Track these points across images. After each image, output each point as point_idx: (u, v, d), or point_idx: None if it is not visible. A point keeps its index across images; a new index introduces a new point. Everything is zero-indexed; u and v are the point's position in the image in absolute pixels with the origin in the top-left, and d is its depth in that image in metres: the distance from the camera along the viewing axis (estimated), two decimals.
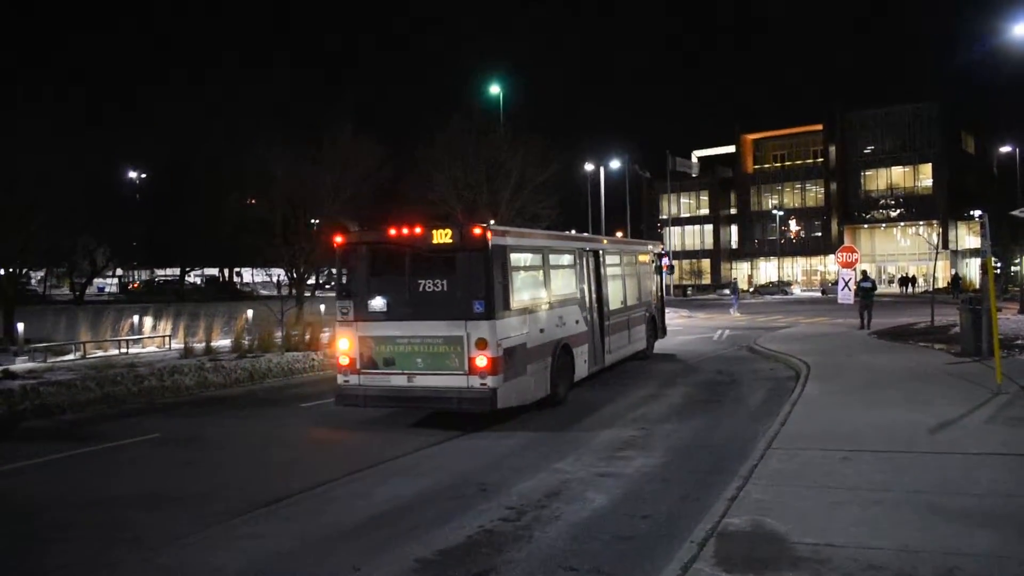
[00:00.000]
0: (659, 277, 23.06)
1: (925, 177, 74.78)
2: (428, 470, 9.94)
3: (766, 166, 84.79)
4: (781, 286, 72.70)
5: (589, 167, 61.66)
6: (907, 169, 75.96)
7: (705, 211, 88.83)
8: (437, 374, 12.35)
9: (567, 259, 15.67)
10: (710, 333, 29.27)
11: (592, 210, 61.03)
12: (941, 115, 73.01)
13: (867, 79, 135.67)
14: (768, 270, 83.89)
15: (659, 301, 22.67)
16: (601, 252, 17.68)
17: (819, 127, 79.84)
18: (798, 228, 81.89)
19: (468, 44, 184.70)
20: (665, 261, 26.55)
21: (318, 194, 32.23)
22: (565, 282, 15.28)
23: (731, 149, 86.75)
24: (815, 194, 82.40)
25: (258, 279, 79.10)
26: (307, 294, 33.54)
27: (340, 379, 12.99)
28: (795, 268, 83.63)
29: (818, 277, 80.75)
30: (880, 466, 8.58)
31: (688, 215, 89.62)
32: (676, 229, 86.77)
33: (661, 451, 10.62)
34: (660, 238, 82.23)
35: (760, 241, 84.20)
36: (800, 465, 8.73)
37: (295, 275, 33.00)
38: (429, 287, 12.52)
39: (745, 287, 78.94)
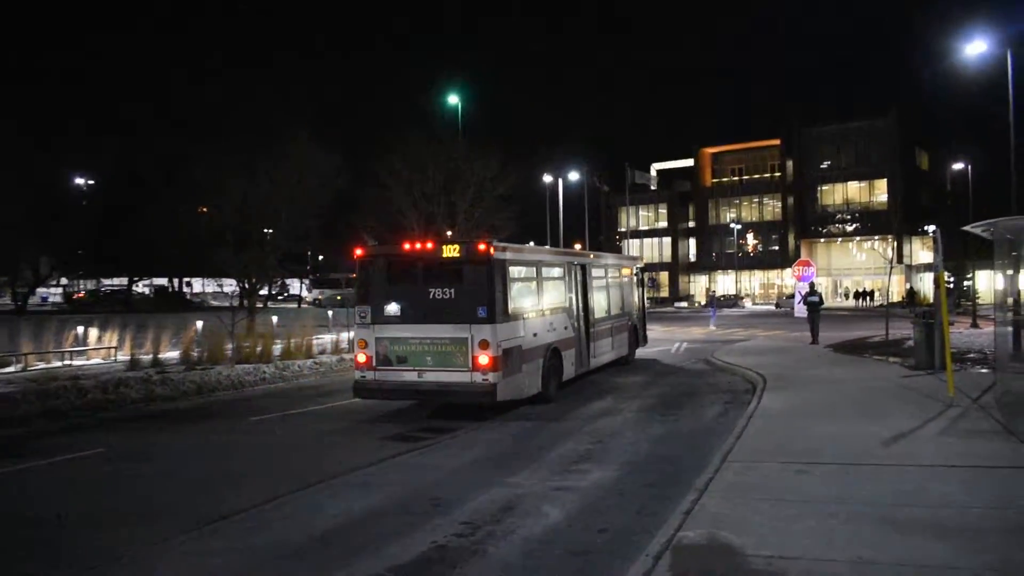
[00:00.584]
0: (641, 290, 24.93)
1: (880, 192, 76.42)
2: (382, 484, 9.85)
3: (724, 180, 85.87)
4: (734, 300, 73.77)
5: (548, 179, 61.90)
6: (863, 184, 77.54)
7: (664, 224, 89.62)
8: (444, 370, 14.18)
9: (558, 272, 17.58)
10: (668, 346, 29.50)
11: (551, 222, 61.25)
12: (896, 131, 74.65)
13: (825, 94, 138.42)
14: (726, 283, 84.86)
15: (641, 312, 24.60)
16: (588, 266, 19.66)
17: (777, 142, 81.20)
18: (756, 242, 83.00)
19: (427, 55, 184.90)
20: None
21: (272, 202, 31.89)
22: (556, 292, 17.20)
23: (690, 163, 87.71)
24: (772, 208, 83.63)
25: (209, 289, 78.09)
26: (259, 305, 33.09)
27: (357, 375, 14.85)
28: (753, 281, 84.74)
29: (776, 290, 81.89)
30: (836, 479, 8.69)
31: (647, 228, 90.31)
32: (635, 242, 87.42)
33: (617, 464, 10.66)
34: (619, 251, 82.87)
35: (718, 254, 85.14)
36: (757, 478, 8.81)
37: (247, 286, 32.62)
38: (438, 295, 14.34)
39: (700, 300, 79.89)
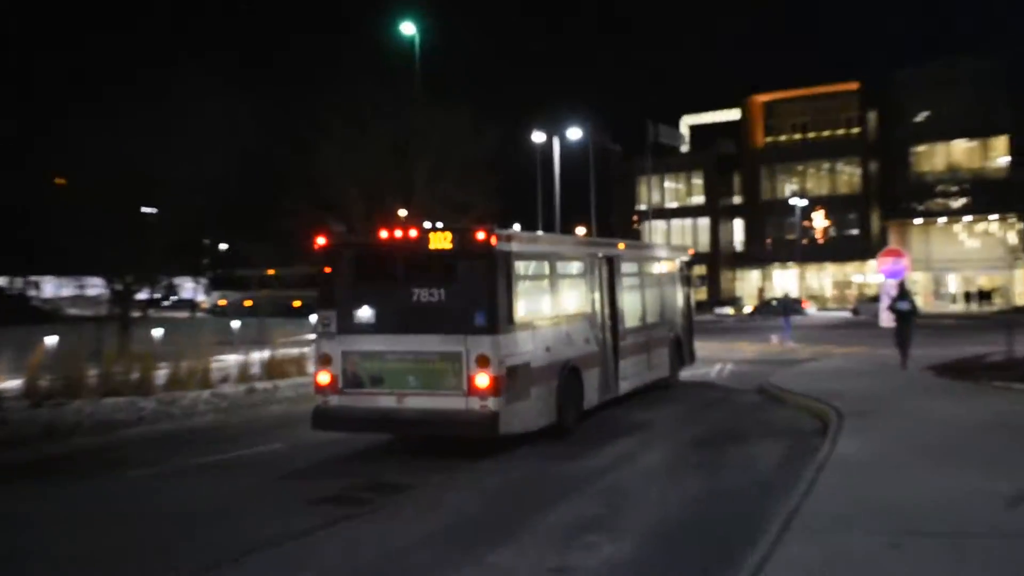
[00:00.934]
0: (687, 290, 26.37)
1: (998, 154, 76.72)
2: (306, 566, 9.76)
3: (782, 139, 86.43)
4: (793, 304, 74.53)
5: (539, 138, 61.72)
6: (973, 144, 77.99)
7: (699, 199, 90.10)
8: (431, 394, 15.08)
9: (578, 267, 18.75)
10: (707, 368, 29.59)
11: (544, 199, 61.23)
12: (1019, 74, 75.15)
13: (918, 26, 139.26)
14: (784, 281, 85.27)
15: (687, 319, 26.09)
16: (617, 259, 20.76)
17: (854, 86, 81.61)
18: (826, 224, 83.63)
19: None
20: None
21: (153, 167, 31.46)
22: (574, 294, 18.38)
23: (735, 115, 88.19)
24: (849, 177, 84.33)
25: (66, 293, 77.50)
26: (137, 315, 32.85)
27: (319, 400, 15.79)
28: (821, 278, 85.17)
29: (853, 290, 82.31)
30: (943, 557, 8.66)
31: (675, 205, 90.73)
32: (659, 224, 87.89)
33: (639, 534, 10.60)
34: (636, 236, 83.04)
35: (774, 241, 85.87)
36: (830, 555, 8.77)
37: (120, 288, 32.34)
38: (424, 297, 15.28)
39: (749, 304, 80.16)
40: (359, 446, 16.60)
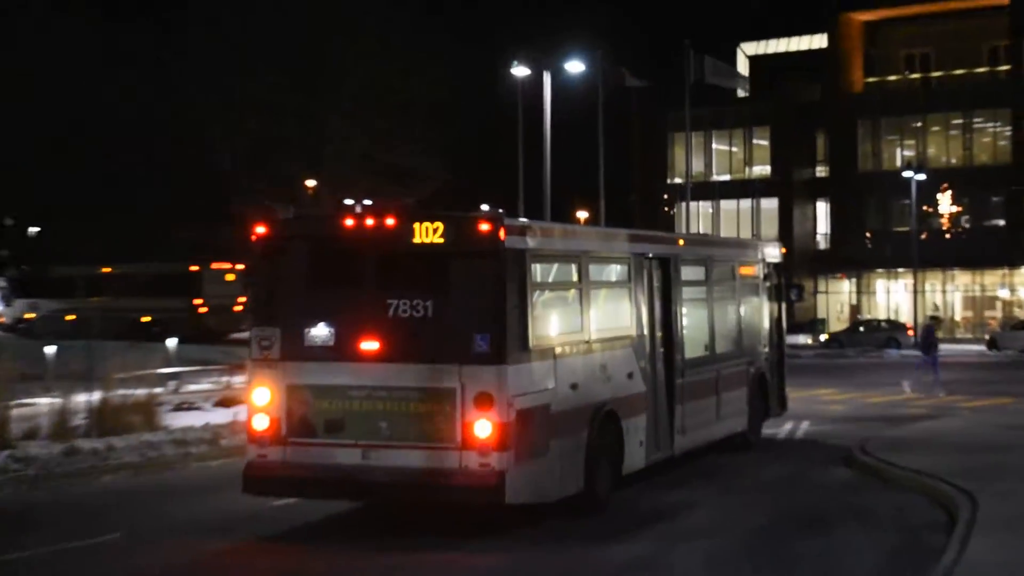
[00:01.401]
0: (777, 305, 27.48)
1: None
2: None
3: (891, 79, 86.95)
4: (885, 330, 74.72)
5: (520, 73, 61.15)
6: None
7: (763, 170, 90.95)
8: (411, 447, 15.71)
9: (618, 272, 19.80)
10: (774, 427, 29.60)
11: (525, 168, 60.99)
12: None
13: None
14: (895, 293, 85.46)
15: (775, 349, 27.31)
16: (674, 261, 21.60)
17: (1005, 0, 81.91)
18: (956, 210, 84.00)
19: None
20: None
21: None
22: (614, 310, 19.32)
23: (819, 43, 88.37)
24: (992, 140, 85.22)
25: None
26: None
27: (253, 453, 16.49)
28: (949, 293, 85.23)
29: (998, 311, 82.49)
30: None
31: (727, 178, 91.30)
32: (703, 207, 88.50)
33: None
34: (669, 223, 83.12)
35: (878, 235, 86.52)
36: None
37: None
38: (404, 310, 15.87)
39: (837, 324, 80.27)
40: (263, 527, 16.87)
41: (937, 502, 18.91)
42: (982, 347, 71.62)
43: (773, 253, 27.43)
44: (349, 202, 46.68)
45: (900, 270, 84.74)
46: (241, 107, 39.68)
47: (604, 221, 65.67)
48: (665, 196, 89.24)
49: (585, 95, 67.51)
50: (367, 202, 42.22)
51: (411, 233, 15.77)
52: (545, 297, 16.94)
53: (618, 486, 18.33)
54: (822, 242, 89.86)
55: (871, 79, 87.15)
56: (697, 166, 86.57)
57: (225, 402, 32.44)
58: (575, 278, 17.88)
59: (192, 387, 38.94)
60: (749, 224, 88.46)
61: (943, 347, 72.62)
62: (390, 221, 16.04)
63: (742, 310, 24.81)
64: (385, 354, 15.74)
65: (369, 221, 16.17)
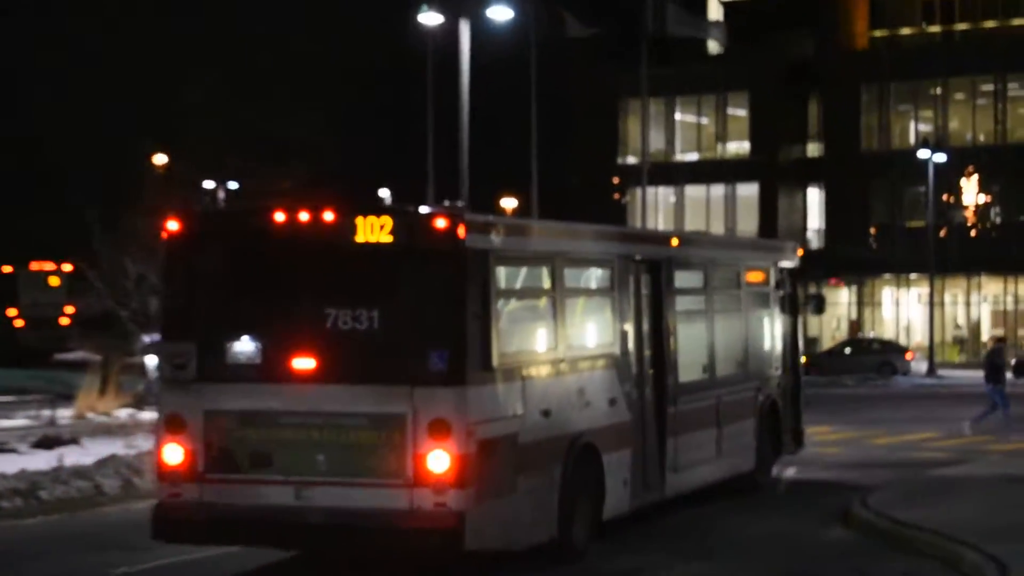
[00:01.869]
0: (791, 319, 28.48)
1: None
2: None
3: (904, 32, 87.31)
4: (877, 352, 75.55)
5: (429, 20, 61.13)
6: None
7: (740, 147, 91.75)
8: (354, 484, 16.25)
9: (598, 277, 20.74)
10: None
11: (436, 140, 61.13)
12: None
13: None
14: (906, 305, 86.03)
15: (789, 371, 28.40)
16: (667, 264, 22.48)
17: None
18: (984, 200, 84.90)
19: None
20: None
21: None
22: (594, 323, 20.25)
23: None
24: None
25: None
26: None
27: (164, 491, 17.10)
28: (974, 304, 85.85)
29: None
30: None
31: (695, 157, 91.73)
32: (663, 194, 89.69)
33: None
34: (620, 214, 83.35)
35: (885, 231, 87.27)
36: None
37: None
38: (345, 322, 16.46)
39: (831, 341, 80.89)
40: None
41: (956, 570, 18.87)
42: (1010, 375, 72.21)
43: (788, 256, 28.20)
44: (209, 185, 46.68)
45: (913, 276, 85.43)
46: (70, 60, 39.90)
47: (537, 211, 65.72)
48: (615, 180, 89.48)
49: (514, 50, 67.73)
50: (232, 185, 42.25)
51: (353, 230, 16.20)
52: (512, 307, 17.59)
53: (598, 533, 18.84)
54: (814, 239, 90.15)
55: (878, 32, 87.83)
56: (656, 142, 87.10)
57: (46, 443, 32.21)
58: (548, 284, 18.52)
59: (3, 423, 38.77)
60: (721, 215, 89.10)
61: (959, 372, 73.73)
62: (328, 216, 16.45)
63: (749, 325, 25.52)
64: (322, 374, 16.21)
65: (303, 216, 16.53)
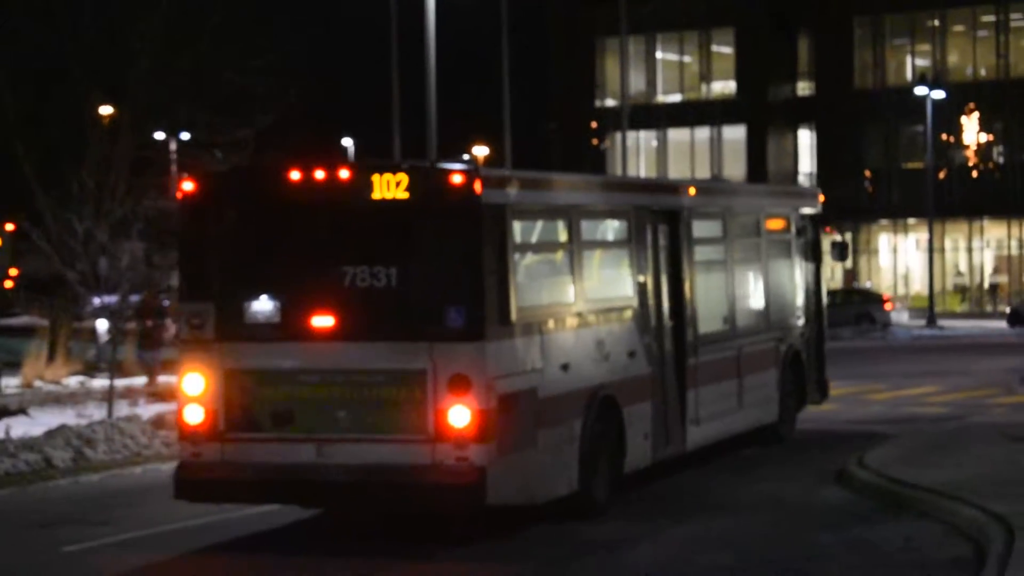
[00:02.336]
0: (813, 267, 29.36)
1: None
2: None
3: None
4: (856, 304, 75.70)
5: None
6: None
7: (726, 86, 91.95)
8: (375, 440, 17.31)
9: (616, 229, 21.80)
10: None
11: (402, 85, 61.00)
12: None
13: None
14: (904, 252, 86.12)
15: (812, 322, 29.41)
16: (685, 214, 23.39)
17: None
18: (986, 139, 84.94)
19: None
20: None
21: None
22: (612, 276, 21.38)
23: None
24: None
25: None
26: None
27: (186, 451, 18.14)
28: (980, 249, 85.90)
29: None
30: None
31: (678, 99, 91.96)
32: (645, 139, 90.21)
33: None
34: (599, 160, 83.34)
35: (881, 174, 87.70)
36: None
37: None
38: (363, 279, 17.41)
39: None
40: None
41: (959, 531, 18.78)
42: (1002, 324, 72.59)
43: (810, 202, 29.14)
44: (160, 136, 46.62)
45: (911, 221, 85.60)
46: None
47: (511, 160, 65.70)
48: (593, 125, 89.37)
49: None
50: (184, 136, 42.02)
51: (369, 187, 17.10)
52: (529, 261, 18.62)
53: (619, 487, 19.89)
54: (806, 183, 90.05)
55: None
56: (636, 83, 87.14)
57: None
58: (564, 238, 19.52)
59: None
60: (707, 160, 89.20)
61: (961, 322, 73.86)
62: (344, 173, 17.55)
63: (770, 274, 26.31)
64: (342, 332, 17.22)
65: (319, 173, 17.37)
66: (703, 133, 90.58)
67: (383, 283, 17.06)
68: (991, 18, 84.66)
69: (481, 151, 67.23)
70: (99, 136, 39.10)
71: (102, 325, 42.36)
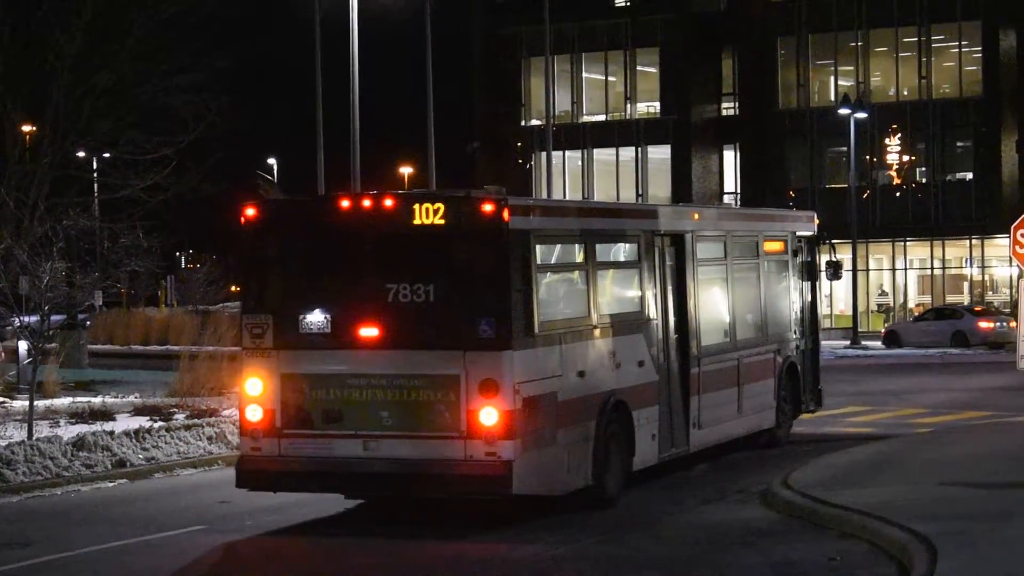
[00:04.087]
0: (808, 284, 32.23)
1: None
2: None
3: None
4: None
5: None
6: None
7: (650, 106, 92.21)
8: (414, 437, 20.20)
9: (626, 251, 24.46)
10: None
11: (326, 104, 60.88)
12: None
13: None
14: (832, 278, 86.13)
15: (808, 334, 31.97)
16: (689, 237, 25.64)
17: None
18: (909, 159, 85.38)
19: None
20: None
21: None
22: (623, 292, 24.25)
23: None
24: (958, 63, 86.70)
25: None
26: None
27: (247, 446, 21.20)
28: (903, 270, 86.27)
29: (964, 296, 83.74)
30: None
31: (601, 118, 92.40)
32: (570, 158, 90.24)
33: None
34: (523, 180, 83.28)
35: (804, 194, 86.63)
36: None
37: None
38: (404, 295, 20.25)
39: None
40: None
41: (882, 551, 18.98)
42: (943, 348, 72.75)
43: (805, 225, 31.94)
44: (81, 154, 46.51)
45: (835, 241, 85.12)
46: None
47: (434, 178, 65.63)
48: (518, 144, 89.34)
49: (409, 8, 67.53)
50: (105, 155, 42.00)
51: (411, 215, 20.05)
52: (551, 279, 21.68)
53: (629, 483, 21.76)
54: (730, 204, 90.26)
55: None
56: (562, 102, 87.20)
57: None
58: (581, 258, 22.55)
59: None
60: (632, 180, 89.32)
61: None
62: (388, 202, 20.50)
63: (768, 291, 28.36)
64: (385, 340, 20.18)
65: (366, 202, 20.58)
66: (628, 153, 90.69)
67: (422, 298, 19.93)
68: (913, 39, 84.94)
69: (406, 170, 67.00)
70: (19, 154, 39.06)
71: (23, 346, 42.18)
